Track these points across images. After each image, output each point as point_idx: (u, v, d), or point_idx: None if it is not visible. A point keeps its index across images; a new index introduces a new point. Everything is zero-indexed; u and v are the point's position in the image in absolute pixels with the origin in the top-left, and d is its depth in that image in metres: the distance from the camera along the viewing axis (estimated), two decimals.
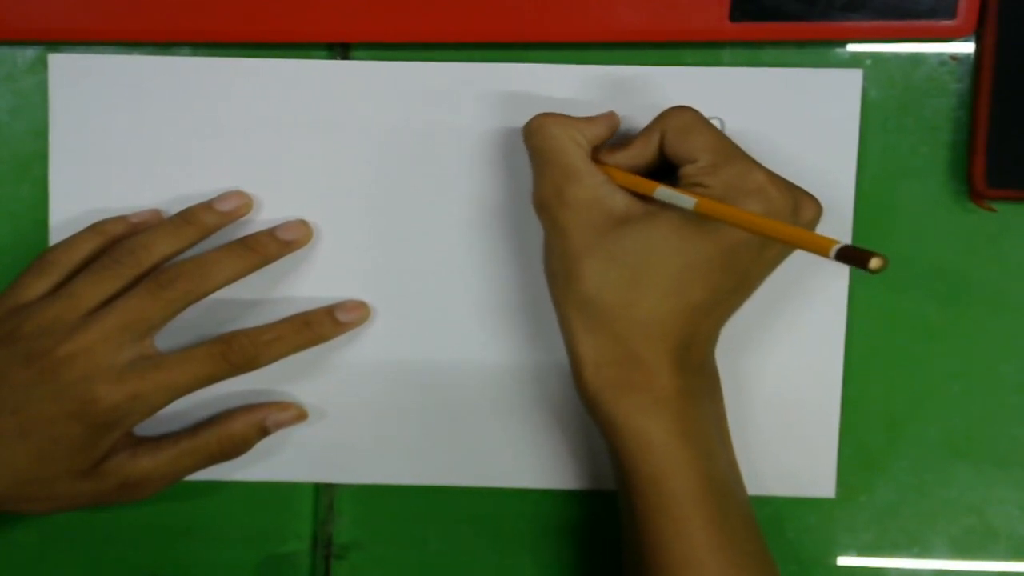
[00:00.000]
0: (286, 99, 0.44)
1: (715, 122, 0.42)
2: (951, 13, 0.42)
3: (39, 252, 0.43)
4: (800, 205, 0.39)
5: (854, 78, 0.44)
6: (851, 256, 0.32)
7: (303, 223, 0.44)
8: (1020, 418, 0.45)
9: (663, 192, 0.38)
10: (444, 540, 0.47)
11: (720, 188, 0.38)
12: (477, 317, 0.45)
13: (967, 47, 0.44)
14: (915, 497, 0.46)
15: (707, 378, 0.41)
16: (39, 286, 0.41)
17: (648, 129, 0.40)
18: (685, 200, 0.37)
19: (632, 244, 0.38)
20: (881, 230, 0.44)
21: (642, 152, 0.40)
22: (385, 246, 0.45)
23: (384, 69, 0.44)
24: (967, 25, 0.42)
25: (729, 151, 0.39)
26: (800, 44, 0.44)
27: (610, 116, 0.41)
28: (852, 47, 0.44)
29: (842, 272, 0.44)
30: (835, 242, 0.33)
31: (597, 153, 0.41)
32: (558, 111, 0.41)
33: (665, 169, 0.40)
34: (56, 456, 0.39)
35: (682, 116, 0.40)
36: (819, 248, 0.33)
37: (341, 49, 0.45)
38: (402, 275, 0.45)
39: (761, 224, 0.36)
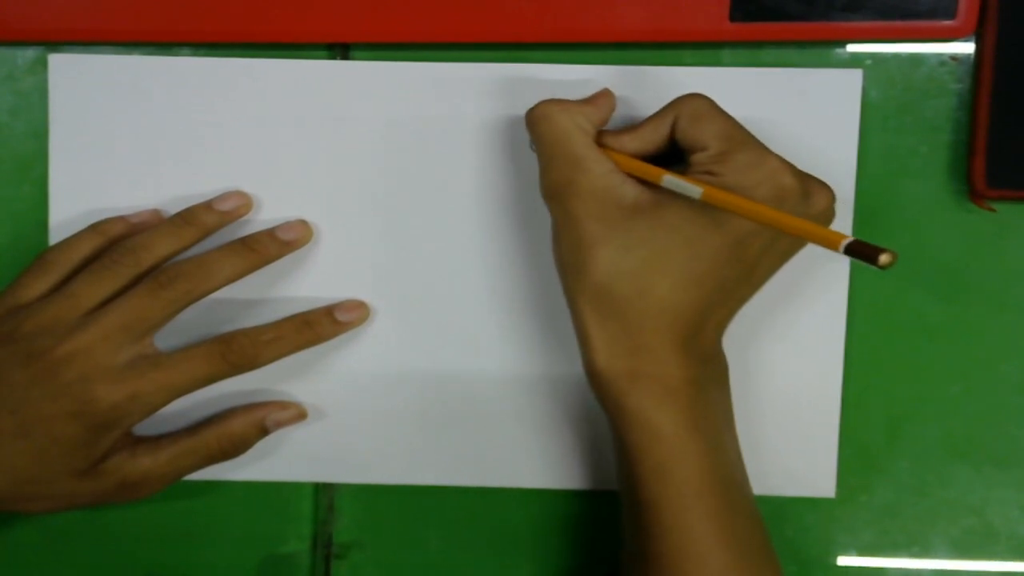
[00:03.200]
0: (286, 99, 0.44)
1: None
2: (951, 13, 0.42)
3: (39, 252, 0.43)
4: (811, 194, 0.39)
5: (854, 78, 0.44)
6: (860, 251, 0.32)
7: (303, 223, 0.44)
8: (1020, 418, 0.45)
9: (670, 180, 0.38)
10: (444, 540, 0.47)
11: (730, 176, 0.38)
12: (477, 317, 0.45)
13: (967, 47, 0.44)
14: (915, 497, 0.46)
15: (716, 367, 0.41)
16: (38, 286, 0.41)
17: (660, 114, 0.40)
18: (692, 189, 0.37)
19: (642, 234, 0.38)
20: (881, 230, 0.44)
21: (651, 137, 0.40)
22: (385, 246, 0.45)
23: (384, 69, 0.44)
24: (967, 25, 0.42)
25: (740, 138, 0.39)
26: (800, 44, 0.44)
27: (608, 95, 0.41)
28: (852, 47, 0.44)
29: (842, 271, 0.44)
30: (844, 237, 0.33)
31: (602, 137, 0.40)
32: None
33: (676, 155, 0.40)
34: (55, 456, 0.39)
35: (695, 103, 0.39)
36: (828, 242, 0.33)
37: (341, 49, 0.45)
38: (401, 275, 0.45)
39: (768, 215, 0.36)
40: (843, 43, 0.44)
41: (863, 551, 0.46)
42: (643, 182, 0.39)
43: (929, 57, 0.44)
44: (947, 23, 0.42)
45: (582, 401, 0.45)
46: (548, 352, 0.45)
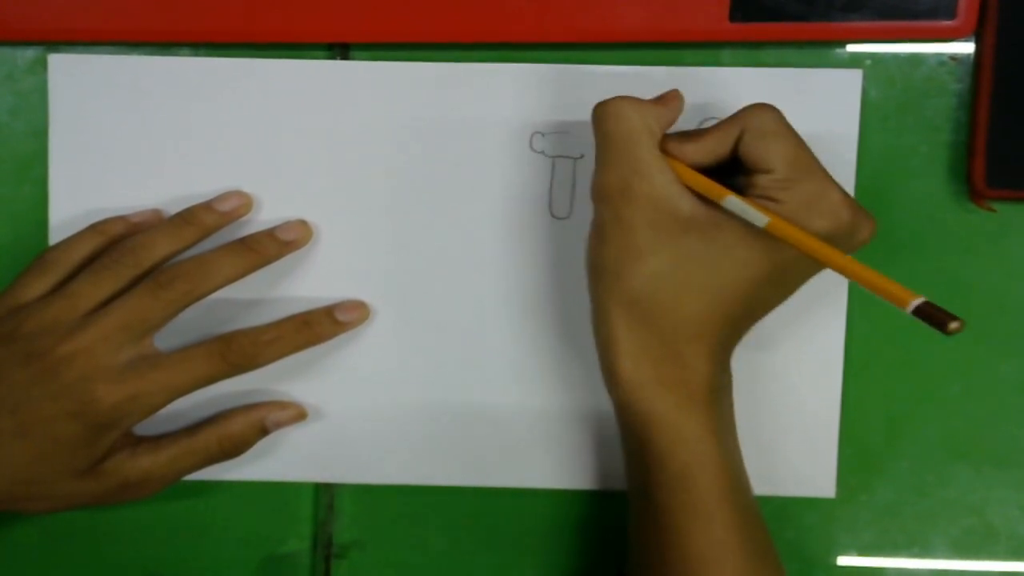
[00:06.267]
0: (286, 99, 0.44)
1: (710, 122, 0.42)
2: (951, 13, 0.42)
3: (39, 252, 0.43)
4: (859, 227, 0.38)
5: (854, 78, 0.44)
6: (930, 315, 0.32)
7: (303, 223, 0.44)
8: (1020, 418, 0.45)
9: (733, 203, 0.37)
10: (444, 540, 0.47)
11: (793, 205, 0.37)
12: (476, 317, 0.45)
13: (967, 47, 0.44)
14: (915, 497, 0.46)
15: (729, 374, 0.41)
16: (39, 286, 0.41)
17: (726, 124, 0.39)
18: (757, 216, 0.36)
19: (693, 250, 0.38)
20: (881, 230, 0.44)
21: (716, 148, 0.39)
22: (385, 246, 0.45)
23: (384, 69, 0.44)
24: (967, 25, 0.42)
25: (806, 165, 0.38)
26: (800, 44, 0.44)
27: (677, 96, 0.40)
28: (852, 47, 0.44)
29: None
30: (915, 296, 0.32)
31: (665, 144, 0.39)
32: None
33: (732, 163, 0.39)
34: (55, 456, 0.39)
35: (763, 117, 0.38)
36: (897, 299, 0.33)
37: (341, 49, 0.45)
38: (401, 275, 0.45)
39: (838, 260, 0.35)
40: (843, 43, 0.44)
41: (863, 551, 0.46)
42: (699, 196, 0.38)
43: (929, 57, 0.44)
44: (947, 23, 0.42)
45: (582, 401, 0.45)
46: (547, 351, 0.45)
